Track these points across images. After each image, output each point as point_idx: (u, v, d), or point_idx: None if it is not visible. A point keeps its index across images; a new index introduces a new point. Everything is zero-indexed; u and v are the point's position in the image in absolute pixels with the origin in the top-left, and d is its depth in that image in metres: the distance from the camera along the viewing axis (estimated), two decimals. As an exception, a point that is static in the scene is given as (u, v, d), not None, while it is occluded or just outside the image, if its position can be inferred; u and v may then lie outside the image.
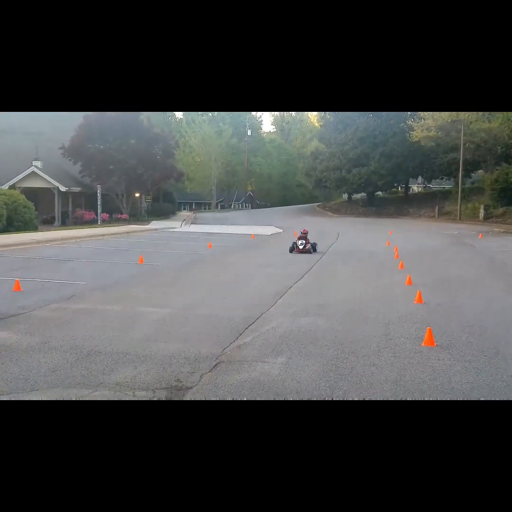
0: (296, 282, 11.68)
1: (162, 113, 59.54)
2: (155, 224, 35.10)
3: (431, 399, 4.76)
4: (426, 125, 42.62)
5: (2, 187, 29.67)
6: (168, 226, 34.47)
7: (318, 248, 18.33)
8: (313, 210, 59.62)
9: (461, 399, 4.76)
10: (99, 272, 12.92)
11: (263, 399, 4.69)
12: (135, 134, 36.93)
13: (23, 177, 32.98)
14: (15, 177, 32.72)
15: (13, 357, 5.78)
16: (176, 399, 4.70)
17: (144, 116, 38.20)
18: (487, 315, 8.48)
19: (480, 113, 37.61)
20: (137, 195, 39.71)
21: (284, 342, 6.57)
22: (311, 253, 17.46)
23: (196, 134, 63.58)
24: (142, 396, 4.73)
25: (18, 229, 25.11)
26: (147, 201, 41.95)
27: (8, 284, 10.19)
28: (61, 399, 4.62)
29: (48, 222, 32.75)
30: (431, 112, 39.75)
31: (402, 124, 48.32)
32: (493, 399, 4.79)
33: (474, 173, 51.18)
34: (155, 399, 4.68)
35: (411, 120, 45.20)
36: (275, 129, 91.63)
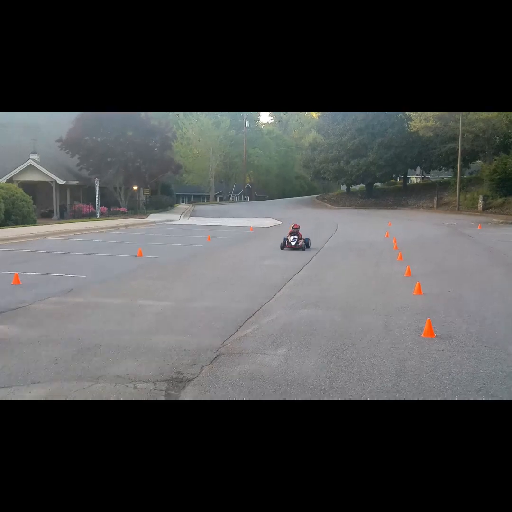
0: (295, 274, 11.68)
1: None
2: (153, 217, 35.04)
3: (431, 389, 4.78)
4: (424, 115, 42.48)
5: (0, 180, 29.56)
6: (167, 219, 34.42)
7: (316, 242, 17.96)
8: (311, 202, 59.59)
9: (461, 390, 4.78)
10: (98, 265, 12.91)
11: (263, 391, 4.70)
12: (133, 127, 36.78)
13: (21, 170, 32.86)
14: (12, 170, 32.61)
15: (13, 350, 5.79)
16: (176, 390, 4.71)
17: (142, 108, 37.98)
18: (486, 305, 8.50)
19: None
20: (135, 188, 39.61)
21: (284, 334, 6.59)
22: (304, 249, 16.05)
23: (193, 125, 63.31)
24: (143, 388, 4.74)
25: (16, 223, 25.06)
26: (145, 194, 41.87)
27: (8, 277, 10.18)
28: (62, 392, 4.63)
29: (46, 216, 32.69)
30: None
31: (401, 114, 48.12)
32: (493, 389, 4.81)
33: (473, 163, 51.10)
34: (155, 391, 4.69)
35: (409, 110, 45.09)
36: (273, 120, 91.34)
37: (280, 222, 31.62)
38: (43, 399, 4.49)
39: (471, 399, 4.58)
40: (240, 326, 6.95)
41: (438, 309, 8.08)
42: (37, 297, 8.59)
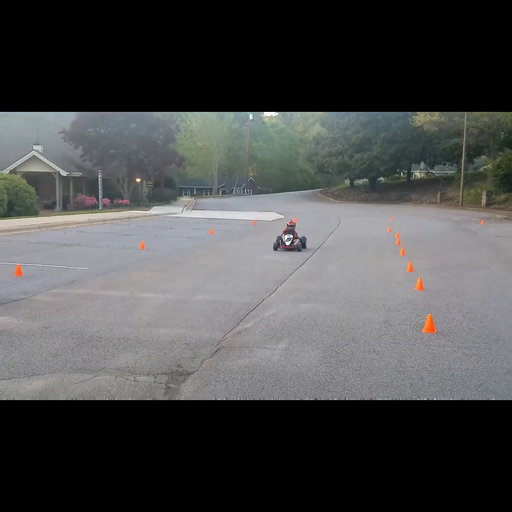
0: (297, 268, 11.68)
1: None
2: (156, 210, 35.04)
3: (430, 385, 4.78)
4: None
5: (3, 171, 29.55)
6: (169, 211, 34.42)
7: (318, 236, 17.89)
8: (315, 196, 59.47)
9: (460, 386, 4.78)
10: (100, 257, 12.92)
11: (263, 385, 4.71)
12: (136, 119, 36.71)
13: (24, 161, 32.84)
14: (16, 161, 32.59)
15: (14, 342, 5.80)
16: (177, 384, 4.72)
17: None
18: (488, 301, 8.49)
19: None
20: (138, 180, 39.58)
21: (285, 328, 6.59)
22: (300, 250, 14.41)
23: (197, 118, 63.15)
24: (143, 381, 4.76)
25: (19, 214, 25.08)
26: (148, 186, 41.83)
27: (9, 269, 10.21)
28: (62, 384, 4.64)
29: (49, 207, 32.70)
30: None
31: (405, 108, 47.82)
32: (492, 385, 4.81)
33: (477, 158, 50.86)
34: (156, 384, 4.70)
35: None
36: (277, 114, 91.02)
37: (282, 216, 31.60)
38: (44, 390, 4.51)
39: (470, 395, 4.58)
40: (241, 320, 6.96)
41: (440, 305, 8.07)
42: (39, 289, 8.61)
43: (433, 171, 64.58)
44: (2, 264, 11.13)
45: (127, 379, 4.80)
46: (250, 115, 67.25)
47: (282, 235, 14.86)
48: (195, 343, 5.89)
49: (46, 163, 33.03)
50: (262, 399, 4.41)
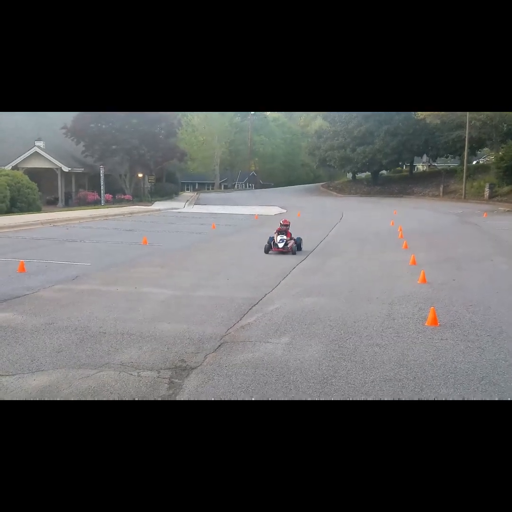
0: (300, 262, 11.68)
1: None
2: (158, 205, 35.04)
3: (433, 378, 4.79)
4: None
5: (5, 167, 29.58)
6: (172, 206, 34.42)
7: (321, 229, 17.86)
8: (317, 190, 59.39)
9: (463, 379, 4.78)
10: (103, 253, 12.95)
11: (266, 379, 4.72)
12: (137, 114, 36.60)
13: (26, 157, 32.85)
14: (18, 157, 32.61)
15: (18, 337, 5.83)
16: (180, 379, 4.74)
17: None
18: (491, 294, 8.48)
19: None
20: (140, 175, 39.58)
21: (288, 322, 6.60)
22: (295, 253, 12.65)
23: (198, 113, 62.97)
24: (147, 376, 4.78)
25: (21, 210, 25.12)
26: (150, 182, 41.83)
27: (13, 265, 10.23)
28: (66, 380, 4.66)
29: (51, 203, 32.74)
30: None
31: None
32: (495, 378, 4.81)
33: (480, 151, 50.68)
34: (159, 379, 4.72)
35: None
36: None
37: (285, 210, 31.57)
38: (48, 386, 4.53)
39: (473, 388, 4.58)
40: (244, 315, 6.97)
41: (443, 298, 8.07)
42: (42, 285, 8.63)
43: (436, 164, 64.38)
44: (5, 261, 11.16)
45: (131, 374, 4.82)
46: (252, 109, 67.01)
47: (274, 235, 12.97)
48: (199, 338, 5.90)
49: (48, 159, 33.03)
50: (265, 393, 4.43)
